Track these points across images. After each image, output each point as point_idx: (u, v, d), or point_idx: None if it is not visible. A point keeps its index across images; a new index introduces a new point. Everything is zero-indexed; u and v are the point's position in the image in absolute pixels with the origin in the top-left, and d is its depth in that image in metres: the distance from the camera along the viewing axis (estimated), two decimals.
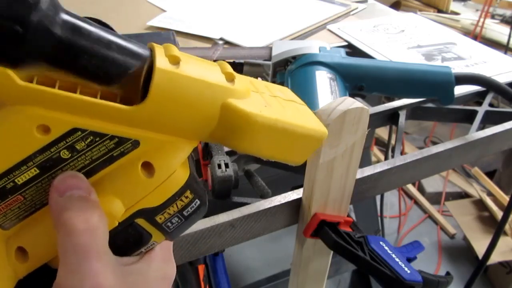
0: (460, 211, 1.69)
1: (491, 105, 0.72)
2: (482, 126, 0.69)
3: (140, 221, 0.26)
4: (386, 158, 0.75)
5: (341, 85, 0.60)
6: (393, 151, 0.62)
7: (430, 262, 1.69)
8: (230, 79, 0.26)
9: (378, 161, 1.95)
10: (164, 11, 1.01)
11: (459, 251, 1.74)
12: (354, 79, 0.61)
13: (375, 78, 0.62)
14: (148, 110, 0.23)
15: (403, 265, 0.45)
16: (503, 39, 1.79)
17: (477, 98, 0.77)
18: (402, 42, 0.92)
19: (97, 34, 0.23)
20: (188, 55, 0.26)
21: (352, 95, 0.61)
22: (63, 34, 0.22)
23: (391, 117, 0.70)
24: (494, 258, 1.43)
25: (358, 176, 0.53)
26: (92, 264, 0.22)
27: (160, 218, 0.26)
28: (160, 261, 0.28)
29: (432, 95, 0.64)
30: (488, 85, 0.64)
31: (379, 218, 1.34)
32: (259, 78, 0.72)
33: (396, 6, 1.80)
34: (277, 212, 0.50)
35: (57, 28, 0.21)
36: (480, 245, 1.52)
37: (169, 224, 0.27)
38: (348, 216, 0.52)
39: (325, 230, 0.49)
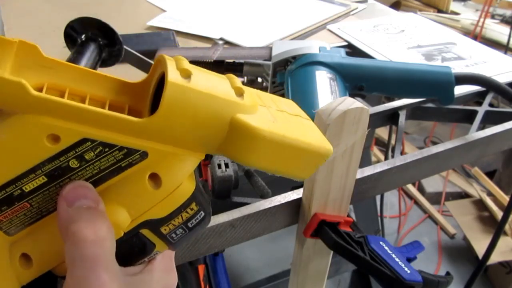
0: (460, 211, 1.69)
1: (491, 105, 0.72)
2: (482, 126, 0.69)
3: (145, 232, 0.26)
4: (386, 158, 0.75)
5: (341, 85, 0.60)
6: (393, 151, 0.62)
7: (430, 262, 1.69)
8: (239, 94, 0.26)
9: (378, 161, 1.95)
10: (164, 11, 1.01)
11: (459, 251, 1.74)
12: (354, 79, 0.61)
13: (375, 78, 0.62)
14: (159, 122, 0.24)
15: (403, 265, 0.45)
16: (503, 39, 1.79)
17: (477, 98, 0.77)
18: (402, 42, 0.92)
19: None
20: (198, 68, 0.26)
21: (352, 95, 0.61)
22: None
23: (391, 117, 0.70)
24: (494, 258, 1.43)
25: (358, 176, 0.53)
26: (99, 275, 0.22)
27: (165, 229, 0.27)
28: (162, 271, 0.29)
29: (432, 95, 0.64)
30: (488, 85, 0.64)
31: (379, 218, 1.34)
32: (259, 78, 0.72)
33: (396, 6, 1.80)
34: (277, 212, 0.50)
35: None
36: (480, 245, 1.52)
37: (173, 235, 0.27)
38: (348, 216, 0.52)
39: (325, 230, 0.49)
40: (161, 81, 0.25)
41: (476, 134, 0.63)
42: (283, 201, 0.50)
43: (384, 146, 1.99)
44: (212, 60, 0.71)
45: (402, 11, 1.57)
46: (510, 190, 1.65)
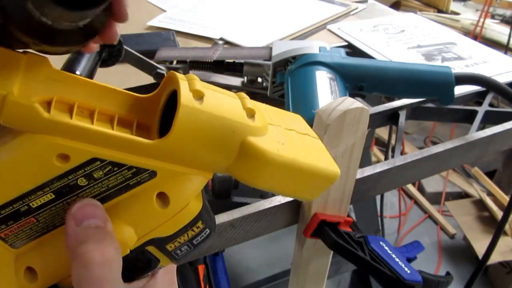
0: (460, 211, 1.69)
1: (491, 105, 0.72)
2: (482, 126, 0.69)
3: (151, 248, 0.27)
4: (386, 158, 0.75)
5: (341, 85, 0.60)
6: (393, 151, 0.62)
7: (430, 262, 1.69)
8: (251, 115, 0.26)
9: (378, 161, 1.95)
10: (164, 11, 1.01)
11: (459, 251, 1.74)
12: (354, 79, 0.61)
13: (375, 78, 0.62)
14: (170, 144, 0.24)
15: (403, 265, 0.45)
16: (503, 39, 1.79)
17: (477, 98, 0.77)
18: (402, 42, 0.92)
19: None
20: (210, 87, 0.26)
21: (352, 95, 0.61)
22: None
23: (391, 117, 0.70)
24: (494, 258, 1.43)
25: (358, 176, 0.53)
26: None
27: (170, 246, 0.27)
28: (165, 285, 0.29)
29: (432, 95, 0.64)
30: (488, 85, 0.64)
31: (379, 218, 1.34)
32: (259, 78, 0.72)
33: (396, 6, 1.80)
34: (277, 212, 0.50)
35: None
36: (480, 245, 1.51)
37: (178, 251, 0.27)
38: (348, 216, 0.52)
39: (325, 230, 0.49)
40: (172, 98, 0.25)
41: (476, 134, 0.63)
42: (283, 201, 0.50)
43: (384, 146, 1.99)
44: (212, 60, 0.71)
45: (402, 11, 1.57)
46: (510, 190, 1.64)
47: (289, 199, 0.50)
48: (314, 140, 0.30)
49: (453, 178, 2.02)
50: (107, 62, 0.62)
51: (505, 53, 1.47)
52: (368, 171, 0.55)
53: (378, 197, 1.34)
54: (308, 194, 0.28)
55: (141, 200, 0.25)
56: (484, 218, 1.63)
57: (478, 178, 1.73)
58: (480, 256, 1.44)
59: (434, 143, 1.55)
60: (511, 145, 0.68)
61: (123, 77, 0.70)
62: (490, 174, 1.79)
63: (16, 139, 0.22)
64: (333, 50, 0.65)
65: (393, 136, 0.72)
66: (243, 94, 0.27)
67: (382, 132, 2.08)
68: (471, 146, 0.63)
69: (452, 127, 2.15)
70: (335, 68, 0.61)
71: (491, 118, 0.70)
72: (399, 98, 0.71)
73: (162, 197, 0.25)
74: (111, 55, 0.61)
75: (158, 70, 0.67)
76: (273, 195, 0.51)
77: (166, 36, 0.86)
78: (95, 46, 0.28)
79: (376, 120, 0.69)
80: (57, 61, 0.28)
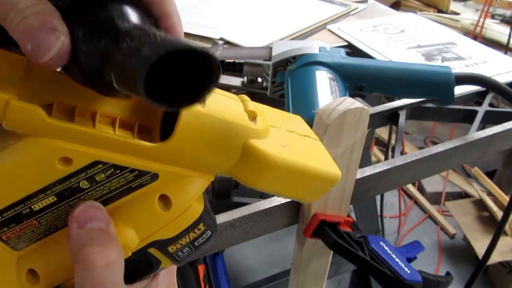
0: (460, 211, 1.69)
1: (491, 105, 0.72)
2: (482, 126, 0.69)
3: (152, 250, 0.27)
4: (386, 158, 0.75)
5: (341, 85, 0.60)
6: (393, 151, 0.62)
7: (430, 262, 1.69)
8: (252, 118, 0.26)
9: (378, 161, 1.95)
10: None
11: (459, 251, 1.74)
12: (354, 79, 0.61)
13: (375, 78, 0.62)
14: (172, 147, 0.24)
15: (403, 265, 0.45)
16: (503, 39, 1.79)
17: (477, 98, 0.77)
18: (402, 42, 0.92)
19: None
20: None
21: (352, 95, 0.61)
22: None
23: (391, 117, 0.70)
24: (494, 258, 1.43)
25: (358, 176, 0.53)
26: None
27: (172, 248, 0.27)
28: (166, 287, 0.29)
29: (432, 95, 0.64)
30: (488, 85, 0.64)
31: (379, 218, 1.34)
32: (259, 78, 0.72)
33: (396, 6, 1.80)
34: (277, 212, 0.50)
35: None
36: (480, 245, 1.51)
37: (179, 253, 0.27)
38: (348, 216, 0.52)
39: (325, 230, 0.49)
40: None
41: (476, 134, 0.63)
42: (283, 201, 0.50)
43: (384, 146, 1.99)
44: None
45: (402, 11, 1.57)
46: (510, 190, 1.64)
47: (289, 199, 0.50)
48: (315, 142, 0.30)
49: (453, 178, 2.02)
50: None
51: (505, 53, 1.47)
52: (368, 171, 0.55)
53: (378, 197, 1.34)
54: (309, 196, 0.28)
55: (143, 203, 0.25)
56: (484, 218, 1.63)
57: (478, 178, 1.74)
58: (480, 256, 1.44)
59: (434, 143, 1.55)
60: (511, 145, 0.68)
61: None
62: (490, 174, 1.79)
63: (19, 143, 0.22)
64: (333, 50, 0.65)
65: (393, 136, 0.72)
66: (245, 97, 0.27)
67: (382, 132, 2.08)
68: (471, 146, 0.63)
69: (452, 127, 2.15)
70: (335, 68, 0.61)
71: (491, 118, 0.70)
72: (399, 98, 0.71)
73: (164, 200, 0.25)
74: None
75: None
76: (273, 195, 0.51)
77: None
78: None
79: (376, 120, 0.69)
80: None
